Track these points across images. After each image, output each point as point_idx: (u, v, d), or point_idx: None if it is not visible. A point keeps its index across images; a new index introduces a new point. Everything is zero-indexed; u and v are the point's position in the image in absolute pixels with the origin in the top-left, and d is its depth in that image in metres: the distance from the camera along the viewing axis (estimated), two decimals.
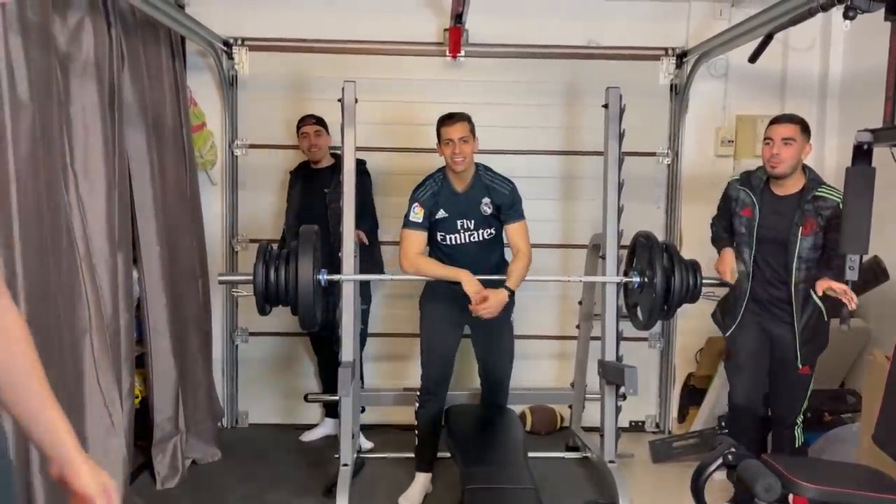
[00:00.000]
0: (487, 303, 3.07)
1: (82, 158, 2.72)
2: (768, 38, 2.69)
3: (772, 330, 3.05)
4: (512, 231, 3.28)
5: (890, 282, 3.48)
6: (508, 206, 3.25)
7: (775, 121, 2.99)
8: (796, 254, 2.92)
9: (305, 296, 2.98)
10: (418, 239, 3.24)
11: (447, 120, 3.18)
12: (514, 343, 3.47)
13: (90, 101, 2.76)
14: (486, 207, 3.24)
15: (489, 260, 3.31)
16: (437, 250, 3.32)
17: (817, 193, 2.92)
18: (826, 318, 2.98)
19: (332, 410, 3.96)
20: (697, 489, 2.20)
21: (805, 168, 2.99)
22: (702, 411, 4.03)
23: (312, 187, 3.82)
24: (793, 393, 3.05)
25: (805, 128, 2.95)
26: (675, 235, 4.24)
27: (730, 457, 2.17)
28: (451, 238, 3.25)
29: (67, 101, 2.67)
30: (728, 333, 3.17)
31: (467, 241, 3.26)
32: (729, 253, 3.11)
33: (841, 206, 2.76)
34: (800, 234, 2.91)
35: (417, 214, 3.22)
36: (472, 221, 3.24)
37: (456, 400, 3.78)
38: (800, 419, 3.07)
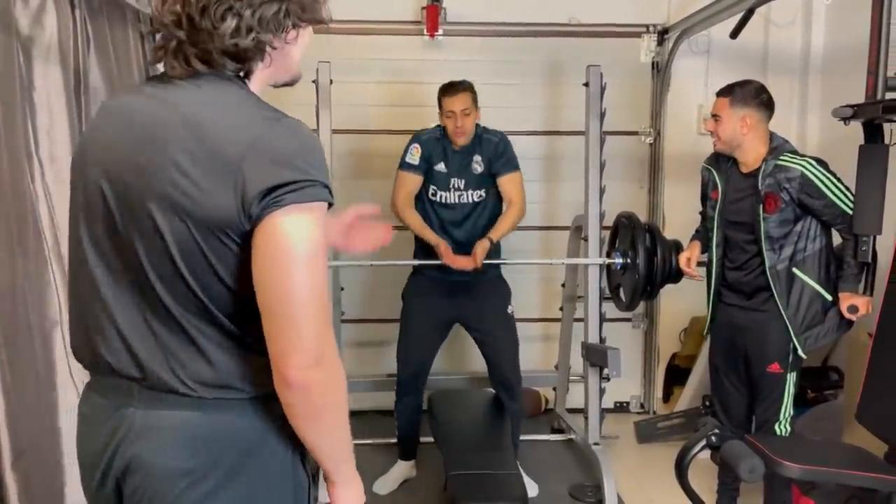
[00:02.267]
0: (467, 262, 3.01)
1: (47, 146, 2.62)
2: (749, 13, 2.65)
3: (747, 321, 2.76)
4: (505, 182, 3.14)
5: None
6: (499, 156, 3.14)
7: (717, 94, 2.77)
8: (763, 235, 2.64)
9: None
10: (411, 181, 3.14)
11: (449, 89, 3.07)
12: (516, 337, 3.27)
13: (55, 86, 2.66)
14: (478, 165, 3.15)
15: (476, 226, 3.17)
16: (425, 205, 3.19)
17: (779, 162, 2.62)
18: (830, 299, 2.65)
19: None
20: (681, 471, 2.18)
21: (773, 136, 2.71)
22: (686, 391, 4.03)
23: None
24: (769, 395, 2.73)
25: (739, 98, 2.65)
26: (658, 215, 4.21)
27: (713, 438, 2.14)
28: (441, 195, 3.15)
29: (30, 87, 2.57)
30: (705, 332, 2.98)
31: (456, 201, 3.16)
32: (693, 245, 2.97)
33: (807, 173, 2.56)
34: (762, 213, 2.63)
35: (414, 156, 3.14)
36: (463, 181, 3.15)
37: (451, 385, 3.76)
38: (781, 426, 2.72)
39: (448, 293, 3.17)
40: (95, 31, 2.99)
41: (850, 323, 2.70)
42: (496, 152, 3.14)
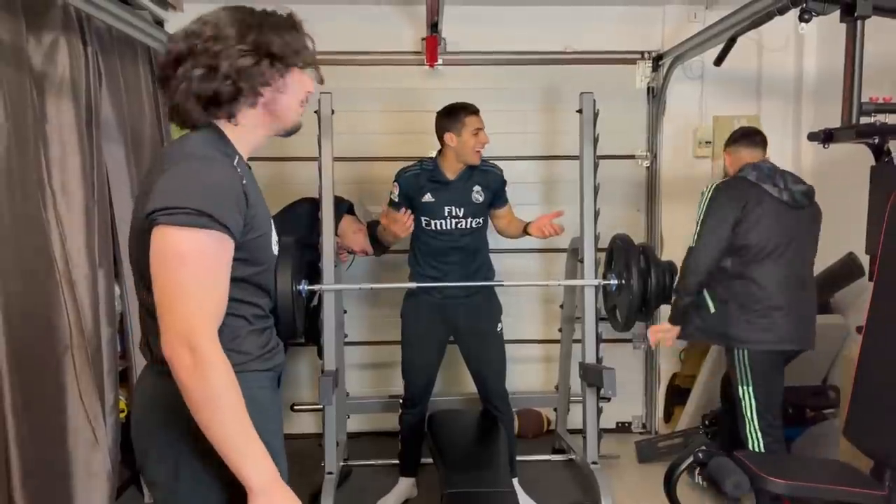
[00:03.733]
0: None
1: (59, 176, 2.75)
2: (731, 42, 2.74)
3: None
4: (504, 213, 3.38)
5: (865, 278, 3.52)
6: (501, 189, 3.32)
7: None
8: None
9: (285, 307, 3.00)
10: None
11: (471, 108, 3.20)
12: (504, 353, 3.39)
13: (67, 119, 2.79)
14: (478, 195, 3.25)
15: (473, 252, 3.30)
16: (421, 236, 3.29)
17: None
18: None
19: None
20: (669, 487, 2.23)
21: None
22: (686, 411, 4.06)
23: None
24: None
25: (726, 144, 3.11)
26: (656, 237, 4.28)
27: (700, 455, 2.20)
28: (436, 223, 3.24)
29: (43, 120, 2.70)
30: None
31: (454, 227, 3.24)
32: None
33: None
34: None
35: (394, 193, 3.27)
36: (462, 209, 3.23)
37: (448, 406, 3.81)
38: (750, 431, 2.92)
39: (442, 311, 3.28)
40: (107, 67, 3.12)
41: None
42: (500, 185, 3.31)
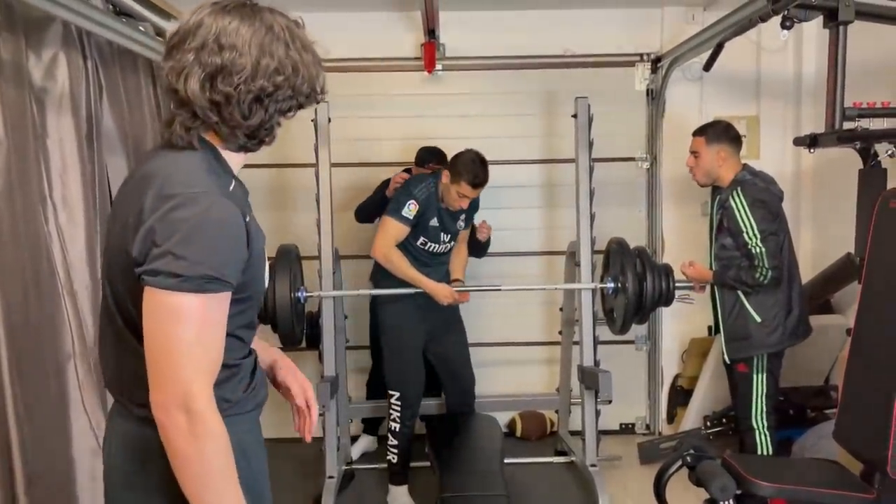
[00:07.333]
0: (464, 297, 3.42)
1: (60, 189, 2.80)
2: (719, 47, 2.75)
3: None
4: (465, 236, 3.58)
5: None
6: (475, 210, 3.53)
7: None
8: (713, 255, 3.11)
9: (283, 313, 3.05)
10: (402, 232, 3.28)
11: (479, 185, 3.20)
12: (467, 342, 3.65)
13: (67, 132, 2.84)
14: (462, 223, 3.45)
15: (445, 262, 3.54)
16: (410, 252, 3.34)
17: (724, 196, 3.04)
18: (759, 321, 2.98)
19: (371, 426, 4.17)
20: (659, 490, 2.25)
21: (740, 171, 3.02)
22: (688, 412, 4.06)
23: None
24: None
25: (712, 137, 3.07)
26: (657, 239, 4.28)
27: (688, 458, 2.21)
28: (431, 245, 3.38)
29: (44, 134, 2.75)
30: None
31: (443, 251, 3.45)
32: None
33: (730, 203, 2.93)
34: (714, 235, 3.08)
35: (411, 211, 3.24)
36: (449, 235, 3.42)
37: (428, 409, 3.82)
38: (758, 422, 2.99)
39: (422, 313, 3.43)
40: (108, 80, 3.17)
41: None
42: (475, 207, 3.50)
